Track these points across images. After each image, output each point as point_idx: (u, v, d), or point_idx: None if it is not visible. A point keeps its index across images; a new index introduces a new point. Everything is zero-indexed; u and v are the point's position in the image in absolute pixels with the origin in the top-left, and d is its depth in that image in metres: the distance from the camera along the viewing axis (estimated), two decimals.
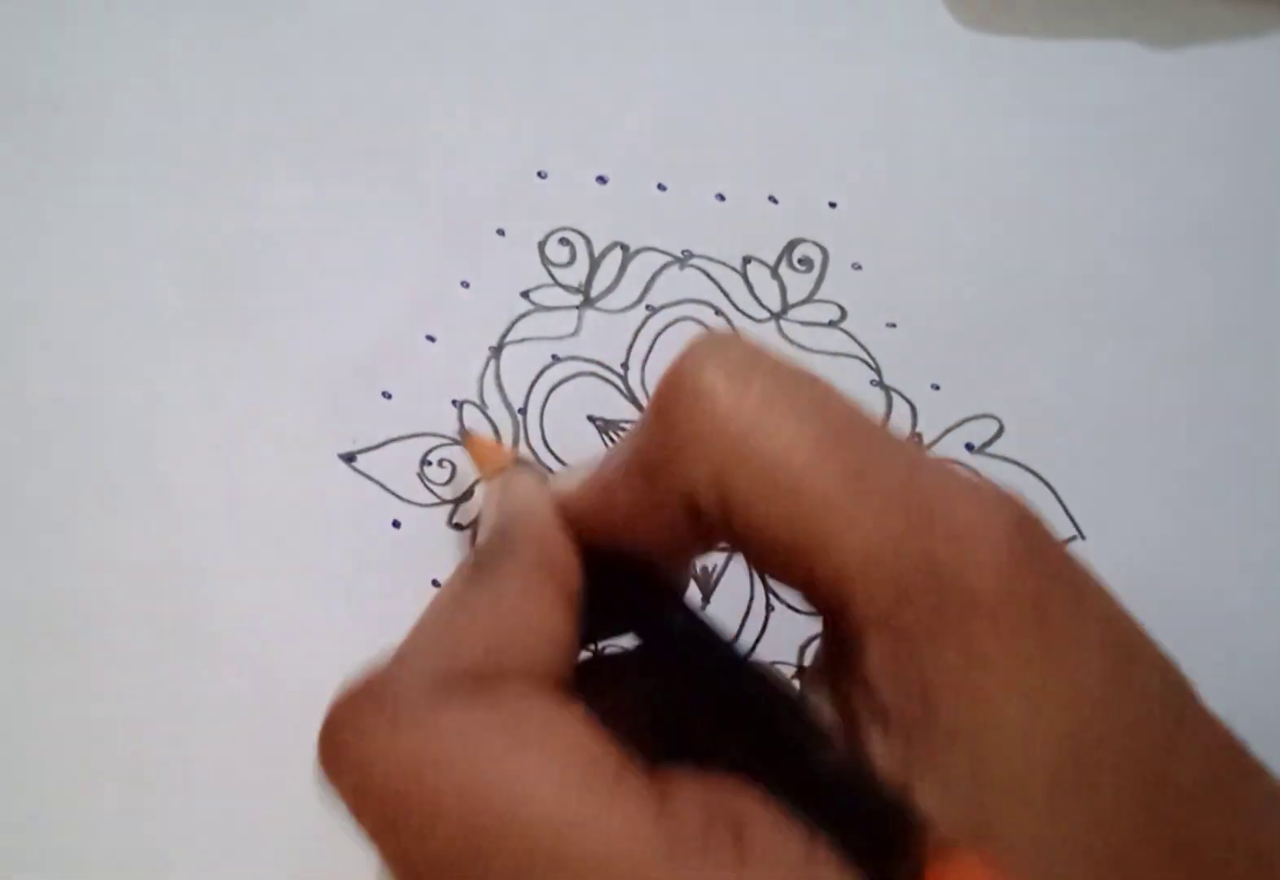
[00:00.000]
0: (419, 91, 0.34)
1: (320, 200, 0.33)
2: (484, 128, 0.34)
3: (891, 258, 0.34)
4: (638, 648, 0.23)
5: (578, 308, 0.34)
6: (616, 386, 0.33)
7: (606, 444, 0.33)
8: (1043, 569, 0.20)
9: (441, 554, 0.32)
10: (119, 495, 0.32)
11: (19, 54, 0.33)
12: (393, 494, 0.32)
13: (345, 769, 0.19)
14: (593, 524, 0.22)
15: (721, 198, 0.34)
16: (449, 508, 0.33)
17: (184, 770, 0.31)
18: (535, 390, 0.33)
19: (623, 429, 0.33)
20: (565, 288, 0.34)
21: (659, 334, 0.34)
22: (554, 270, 0.34)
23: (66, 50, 0.33)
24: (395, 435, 0.33)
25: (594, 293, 0.34)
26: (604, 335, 0.33)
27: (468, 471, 0.33)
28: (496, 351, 0.33)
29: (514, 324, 0.33)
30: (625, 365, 0.33)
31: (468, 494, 0.33)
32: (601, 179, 0.34)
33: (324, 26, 0.34)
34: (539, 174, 0.34)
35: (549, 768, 0.18)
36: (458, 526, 0.33)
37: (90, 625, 0.31)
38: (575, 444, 0.33)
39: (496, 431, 0.33)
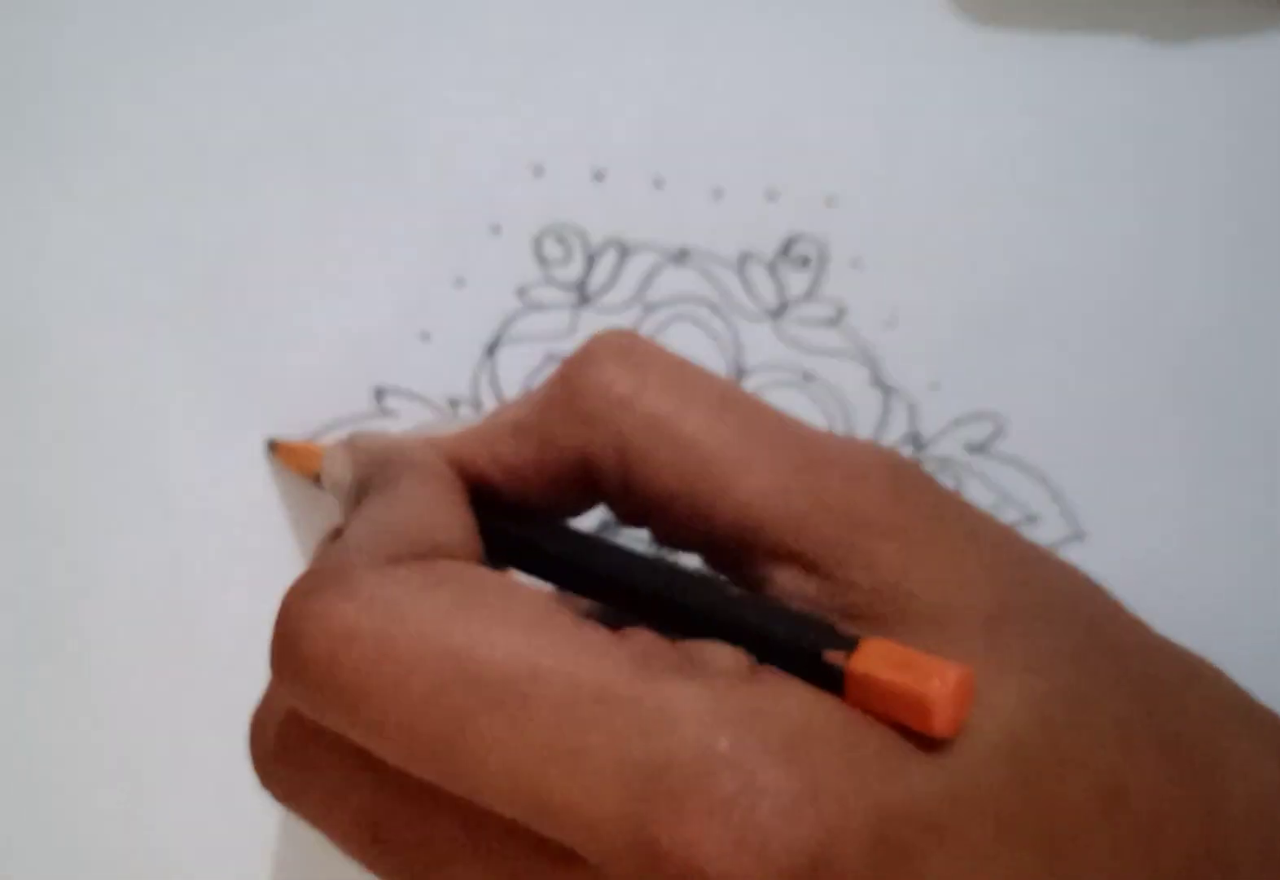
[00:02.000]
0: (412, 87, 0.33)
1: (313, 197, 0.33)
2: (478, 123, 0.33)
3: (891, 255, 0.34)
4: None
5: (573, 306, 0.33)
6: None
7: None
8: (927, 491, 0.22)
9: None
10: (114, 496, 0.32)
11: (17, 53, 0.33)
12: None
13: (311, 651, 0.19)
14: (471, 469, 0.24)
15: (719, 194, 0.34)
16: None
17: (183, 771, 0.31)
18: None
19: None
20: (560, 286, 0.33)
21: (655, 333, 0.33)
22: (549, 268, 0.33)
23: (63, 49, 0.33)
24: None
25: (590, 291, 0.33)
26: None
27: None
28: (491, 350, 0.33)
29: (509, 322, 0.33)
30: None
31: None
32: (597, 176, 0.34)
33: (318, 23, 0.33)
34: (534, 170, 0.33)
35: (510, 615, 0.19)
36: None
37: (87, 626, 0.31)
38: None
39: None
